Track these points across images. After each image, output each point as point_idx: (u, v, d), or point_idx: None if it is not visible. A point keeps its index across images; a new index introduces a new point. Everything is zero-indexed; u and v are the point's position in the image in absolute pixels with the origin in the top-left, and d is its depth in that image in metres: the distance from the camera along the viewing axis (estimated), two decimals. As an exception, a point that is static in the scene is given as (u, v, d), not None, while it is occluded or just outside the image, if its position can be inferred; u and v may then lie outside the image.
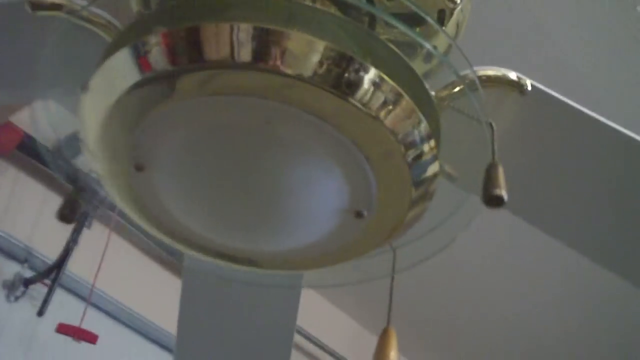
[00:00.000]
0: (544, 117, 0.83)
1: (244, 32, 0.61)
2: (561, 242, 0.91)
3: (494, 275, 2.28)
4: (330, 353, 2.60)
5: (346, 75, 0.62)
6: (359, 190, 0.68)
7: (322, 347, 2.55)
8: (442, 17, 0.83)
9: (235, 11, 0.63)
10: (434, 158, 0.69)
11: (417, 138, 0.66)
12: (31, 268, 1.93)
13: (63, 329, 1.75)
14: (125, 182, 0.70)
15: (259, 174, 0.68)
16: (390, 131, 0.64)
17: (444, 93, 0.80)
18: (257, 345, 1.05)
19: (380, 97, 0.63)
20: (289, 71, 0.61)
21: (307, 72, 0.61)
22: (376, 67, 0.63)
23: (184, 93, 0.63)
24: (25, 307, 1.91)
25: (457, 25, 0.83)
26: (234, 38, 0.61)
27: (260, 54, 0.61)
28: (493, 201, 0.64)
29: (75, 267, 1.98)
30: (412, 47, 0.84)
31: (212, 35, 0.62)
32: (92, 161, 0.70)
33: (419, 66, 0.85)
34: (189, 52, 0.63)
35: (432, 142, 0.68)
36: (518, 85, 0.81)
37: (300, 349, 2.53)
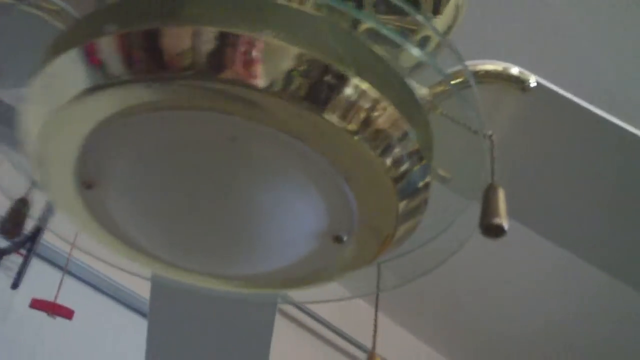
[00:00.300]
0: (548, 115, 0.75)
1: (206, 37, 0.52)
2: (563, 247, 0.83)
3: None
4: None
5: (322, 86, 0.53)
6: (338, 213, 0.60)
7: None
8: None
9: (200, 9, 0.54)
10: (425, 171, 0.60)
11: (404, 152, 0.57)
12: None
13: (37, 304, 1.68)
14: (73, 201, 0.62)
15: (223, 193, 0.59)
16: (373, 147, 0.56)
17: (439, 89, 0.72)
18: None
19: (361, 110, 0.55)
20: (256, 83, 0.52)
21: (277, 84, 0.52)
22: (358, 75, 0.54)
23: (137, 105, 0.54)
24: (1, 279, 1.84)
25: (457, 7, 0.74)
26: (195, 44, 0.52)
27: (224, 63, 0.52)
28: (492, 231, 0.56)
29: (52, 236, 1.90)
30: (406, 32, 0.75)
31: (171, 40, 0.53)
32: (37, 175, 0.61)
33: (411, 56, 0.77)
34: (143, 58, 0.54)
35: (422, 154, 0.59)
36: (520, 81, 0.72)
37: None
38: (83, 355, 1.94)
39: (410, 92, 0.59)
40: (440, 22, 0.74)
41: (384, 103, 0.55)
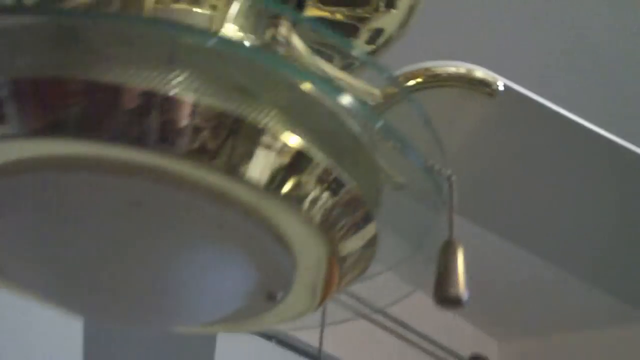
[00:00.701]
0: (515, 120, 0.65)
1: (98, 91, 0.42)
2: (533, 253, 0.75)
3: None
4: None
5: (230, 141, 0.43)
6: (270, 271, 0.51)
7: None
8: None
9: (98, 44, 0.44)
10: (367, 220, 0.51)
11: (339, 203, 0.48)
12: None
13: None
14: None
15: (132, 255, 0.50)
16: (299, 202, 0.46)
17: (392, 90, 0.62)
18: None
19: (281, 163, 0.45)
20: (149, 140, 0.42)
21: (181, 143, 0.42)
22: (275, 122, 0.44)
23: (13, 164, 0.45)
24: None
25: (413, 3, 0.64)
26: (83, 99, 0.42)
27: (104, 120, 0.42)
28: (448, 303, 0.48)
29: None
30: (355, 26, 0.65)
31: (52, 90, 0.42)
32: None
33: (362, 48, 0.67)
34: (21, 110, 0.43)
35: (362, 201, 0.50)
36: (486, 85, 0.62)
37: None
38: None
39: (347, 132, 0.49)
40: (395, 17, 0.63)
41: (310, 151, 0.45)
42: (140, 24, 0.44)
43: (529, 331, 2.65)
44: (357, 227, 0.50)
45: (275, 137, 0.44)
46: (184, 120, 0.42)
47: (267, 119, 0.44)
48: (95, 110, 0.42)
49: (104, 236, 0.49)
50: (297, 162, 0.45)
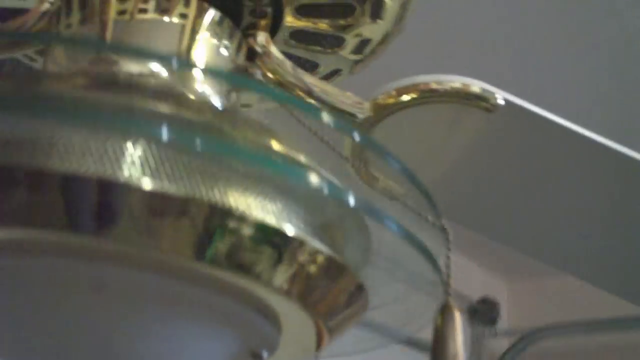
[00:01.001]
0: (514, 133, 0.61)
1: (50, 181, 0.37)
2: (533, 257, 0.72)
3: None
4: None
5: (191, 224, 0.38)
6: (254, 331, 0.47)
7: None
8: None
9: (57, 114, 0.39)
10: (354, 286, 0.46)
11: (324, 275, 0.44)
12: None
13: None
14: None
15: (104, 333, 0.46)
16: (270, 276, 0.42)
17: (386, 100, 0.58)
18: None
19: (245, 242, 0.40)
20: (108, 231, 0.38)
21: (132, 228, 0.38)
22: (238, 198, 0.39)
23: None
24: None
25: (400, 14, 0.58)
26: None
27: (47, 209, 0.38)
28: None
29: None
30: (340, 37, 0.60)
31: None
32: None
33: (346, 59, 0.62)
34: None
35: (342, 266, 0.45)
36: (483, 100, 0.57)
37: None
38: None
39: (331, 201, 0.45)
40: (382, 27, 0.58)
41: (276, 229, 0.41)
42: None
43: (538, 272, 2.63)
44: (344, 293, 0.46)
45: (241, 217, 0.39)
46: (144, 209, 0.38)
47: (232, 198, 0.39)
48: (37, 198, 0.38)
49: (78, 314, 0.45)
50: (283, 247, 0.41)
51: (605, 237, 0.69)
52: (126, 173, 0.36)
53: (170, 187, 0.36)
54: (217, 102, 0.52)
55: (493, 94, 0.57)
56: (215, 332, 0.46)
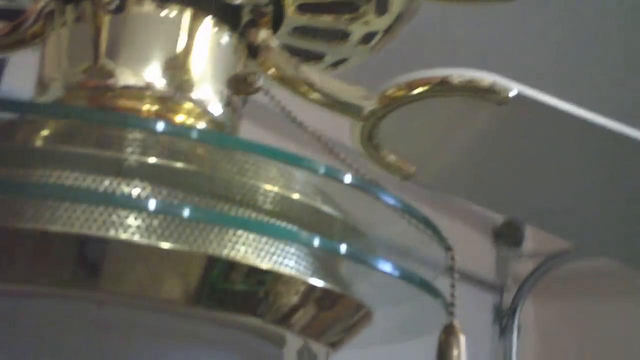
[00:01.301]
0: (526, 123, 0.59)
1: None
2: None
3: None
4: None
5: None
6: (258, 353, 0.47)
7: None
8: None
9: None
10: (356, 312, 0.46)
11: (327, 310, 0.43)
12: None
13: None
14: None
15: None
16: (276, 316, 0.42)
17: (392, 93, 0.56)
18: None
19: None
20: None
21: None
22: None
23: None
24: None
25: (407, 8, 0.56)
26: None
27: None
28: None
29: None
30: (345, 31, 0.58)
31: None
32: None
33: (352, 49, 0.60)
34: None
35: (342, 296, 0.45)
36: (495, 93, 0.56)
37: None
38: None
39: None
40: (386, 20, 0.56)
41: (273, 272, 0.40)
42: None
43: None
44: (346, 318, 0.46)
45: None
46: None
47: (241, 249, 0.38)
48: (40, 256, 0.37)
49: (80, 351, 0.45)
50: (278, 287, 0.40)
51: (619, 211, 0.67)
52: (124, 235, 0.36)
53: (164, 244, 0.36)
54: (216, 109, 0.51)
55: (505, 87, 0.55)
56: (220, 357, 0.46)
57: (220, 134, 0.41)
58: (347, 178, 0.38)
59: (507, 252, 2.27)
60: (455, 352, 0.44)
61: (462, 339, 0.44)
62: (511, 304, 2.26)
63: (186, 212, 0.34)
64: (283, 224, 0.40)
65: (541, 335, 2.35)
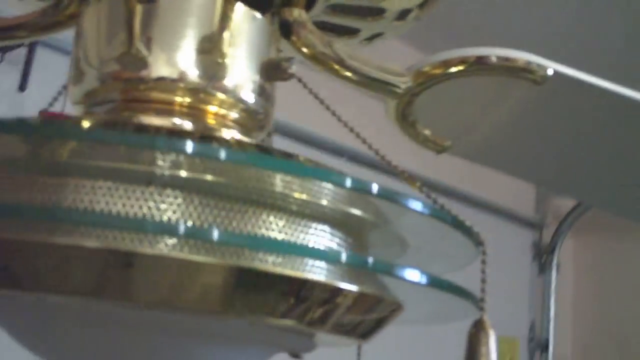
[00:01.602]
0: (561, 100, 0.58)
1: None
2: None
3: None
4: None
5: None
6: (290, 343, 0.48)
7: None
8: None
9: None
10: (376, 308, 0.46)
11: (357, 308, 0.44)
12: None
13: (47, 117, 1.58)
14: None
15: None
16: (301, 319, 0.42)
17: (427, 70, 0.56)
18: None
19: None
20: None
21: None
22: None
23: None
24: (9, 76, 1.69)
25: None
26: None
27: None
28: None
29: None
30: (377, 8, 0.57)
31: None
32: None
33: (388, 25, 0.59)
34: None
35: (379, 296, 0.45)
36: (531, 73, 0.55)
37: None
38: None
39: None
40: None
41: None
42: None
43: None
44: (377, 315, 0.46)
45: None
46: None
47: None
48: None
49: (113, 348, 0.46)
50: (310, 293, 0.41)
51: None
52: (156, 250, 0.36)
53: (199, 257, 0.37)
54: (249, 97, 0.51)
55: (541, 66, 0.54)
56: (253, 352, 0.47)
57: (248, 153, 0.41)
58: (374, 188, 0.38)
59: (546, 190, 2.26)
60: (484, 350, 0.44)
61: (492, 334, 0.44)
62: (550, 241, 2.25)
63: (215, 235, 0.34)
64: (310, 243, 0.40)
65: (580, 273, 2.35)
